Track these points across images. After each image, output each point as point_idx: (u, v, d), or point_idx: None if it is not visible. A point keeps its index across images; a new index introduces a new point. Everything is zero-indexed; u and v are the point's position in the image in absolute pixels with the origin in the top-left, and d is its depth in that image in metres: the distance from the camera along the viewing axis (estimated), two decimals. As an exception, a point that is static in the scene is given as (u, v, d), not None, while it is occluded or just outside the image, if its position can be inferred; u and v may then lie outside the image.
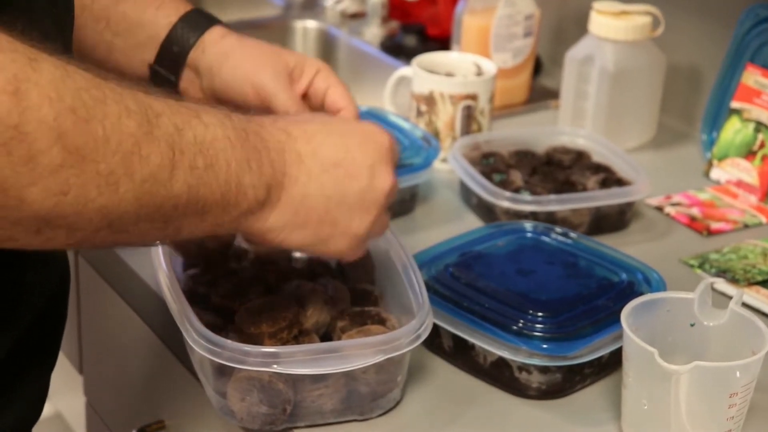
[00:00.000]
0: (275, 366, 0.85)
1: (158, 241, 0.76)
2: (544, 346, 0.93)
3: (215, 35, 1.04)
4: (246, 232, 0.81)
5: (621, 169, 1.27)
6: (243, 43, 1.04)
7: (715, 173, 1.38)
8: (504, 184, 1.22)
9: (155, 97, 0.72)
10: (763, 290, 1.12)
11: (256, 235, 0.82)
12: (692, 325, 0.92)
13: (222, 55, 1.03)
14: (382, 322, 0.94)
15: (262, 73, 1.01)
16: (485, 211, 1.23)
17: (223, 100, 1.04)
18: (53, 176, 0.64)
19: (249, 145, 0.78)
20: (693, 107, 1.51)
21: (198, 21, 1.04)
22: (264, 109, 1.02)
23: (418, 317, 0.90)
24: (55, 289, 0.90)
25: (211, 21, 1.05)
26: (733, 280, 1.13)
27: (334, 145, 0.84)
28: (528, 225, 1.12)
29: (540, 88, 1.64)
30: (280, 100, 1.01)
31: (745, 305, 1.02)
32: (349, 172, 0.84)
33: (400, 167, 1.23)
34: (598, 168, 1.28)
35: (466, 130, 1.35)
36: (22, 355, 0.87)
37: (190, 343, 0.86)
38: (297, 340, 0.91)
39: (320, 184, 0.82)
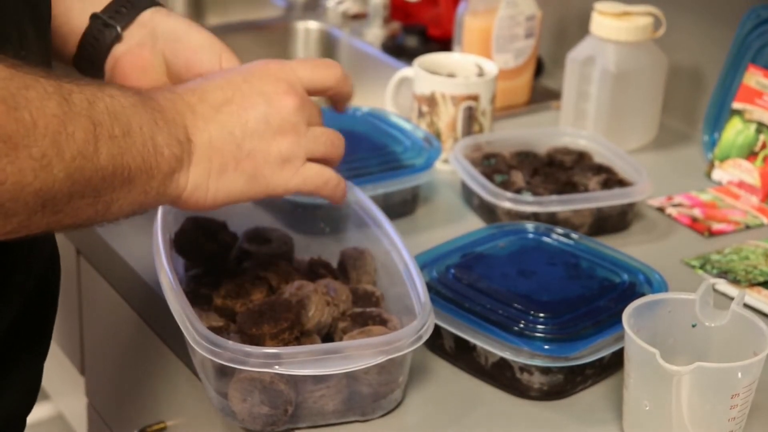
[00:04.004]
0: (277, 367, 0.85)
1: (91, 221, 0.77)
2: (546, 347, 0.93)
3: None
4: (175, 197, 0.82)
5: (622, 169, 1.27)
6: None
7: (717, 174, 1.38)
8: (505, 185, 1.22)
9: (61, 76, 0.73)
10: (764, 291, 1.12)
11: (185, 198, 0.82)
12: (694, 326, 0.92)
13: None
14: (383, 322, 0.94)
15: None
16: (487, 211, 1.23)
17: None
18: None
19: (149, 108, 0.79)
20: (694, 108, 1.51)
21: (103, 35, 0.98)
22: None
23: (420, 318, 0.90)
24: (43, 271, 0.90)
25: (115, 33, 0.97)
26: (735, 281, 1.13)
27: (218, 87, 0.85)
28: (529, 226, 1.12)
29: (541, 89, 1.64)
30: None
31: (746, 306, 1.02)
32: (243, 105, 0.85)
33: (402, 168, 1.23)
34: (600, 169, 1.28)
35: (468, 130, 1.35)
36: (12, 343, 0.87)
37: (192, 344, 0.86)
38: (298, 341, 0.91)
39: (219, 124, 0.83)
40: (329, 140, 0.90)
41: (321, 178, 0.89)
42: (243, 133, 0.84)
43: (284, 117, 0.86)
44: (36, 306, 0.90)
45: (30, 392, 0.93)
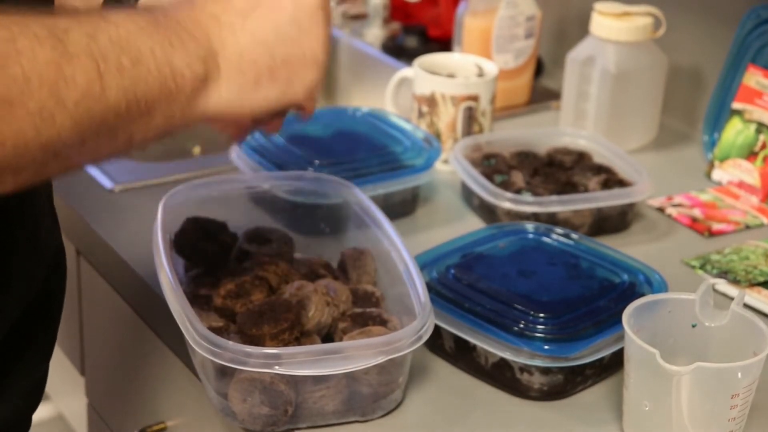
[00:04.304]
0: (277, 367, 0.85)
1: (114, 155, 0.73)
2: (546, 347, 0.93)
3: None
4: (209, 117, 0.78)
5: (622, 170, 1.27)
6: None
7: (717, 174, 1.38)
8: (505, 185, 1.22)
9: (57, 14, 0.69)
10: (764, 291, 1.12)
11: (220, 115, 0.78)
12: (694, 326, 0.92)
13: None
14: (383, 323, 0.94)
15: None
16: (487, 212, 1.23)
17: None
18: None
19: (163, 28, 0.74)
20: (694, 108, 1.51)
21: None
22: None
23: (420, 318, 0.90)
24: (48, 270, 0.90)
25: None
26: (735, 281, 1.13)
27: None
28: (529, 226, 1.12)
29: (541, 89, 1.64)
30: None
31: (746, 306, 1.02)
32: (270, 8, 0.79)
33: (402, 168, 1.23)
34: (600, 169, 1.28)
35: (468, 131, 1.35)
36: (17, 341, 0.87)
37: (192, 345, 0.86)
38: (298, 341, 0.91)
39: (249, 32, 0.78)
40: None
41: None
42: (275, 39, 0.79)
43: (312, 15, 0.81)
44: (42, 304, 0.90)
45: (35, 390, 0.93)
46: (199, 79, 0.75)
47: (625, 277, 1.04)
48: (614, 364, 0.98)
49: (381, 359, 0.87)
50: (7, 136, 0.64)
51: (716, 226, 1.26)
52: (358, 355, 0.86)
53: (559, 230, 1.11)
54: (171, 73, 0.73)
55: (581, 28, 1.51)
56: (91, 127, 0.68)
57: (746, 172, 1.34)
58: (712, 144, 1.43)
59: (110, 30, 0.70)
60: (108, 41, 0.69)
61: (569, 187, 1.24)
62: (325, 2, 0.83)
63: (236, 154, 1.22)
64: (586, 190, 1.23)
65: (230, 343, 0.85)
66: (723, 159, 1.37)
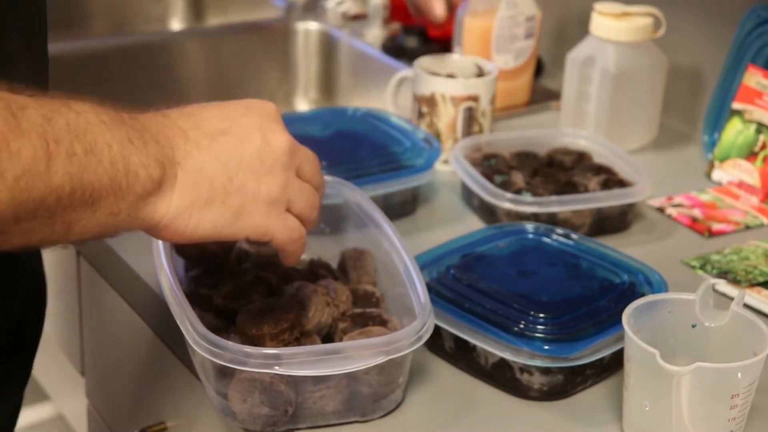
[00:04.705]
0: (277, 367, 0.85)
1: (49, 242, 0.71)
2: (546, 347, 0.93)
3: None
4: (151, 223, 0.77)
5: (622, 170, 1.27)
6: None
7: (717, 174, 1.38)
8: (505, 186, 1.22)
9: (19, 92, 0.69)
10: (764, 291, 1.12)
11: (163, 225, 0.77)
12: (694, 326, 0.92)
13: None
14: (383, 323, 0.94)
15: None
16: (487, 212, 1.23)
17: None
18: None
19: (127, 127, 0.74)
20: (694, 108, 1.51)
21: None
22: None
23: (420, 318, 0.90)
24: (28, 302, 0.89)
25: None
26: (735, 282, 1.13)
27: (215, 117, 0.80)
28: (529, 226, 1.12)
29: (541, 89, 1.64)
30: None
31: (746, 306, 1.02)
32: (240, 137, 0.80)
33: (402, 169, 1.23)
34: (600, 169, 1.28)
35: (468, 131, 1.35)
36: None
37: (192, 345, 0.86)
38: (298, 341, 0.91)
39: (213, 152, 0.78)
40: (311, 201, 0.85)
41: (296, 233, 0.84)
42: (237, 166, 0.79)
43: (277, 157, 0.81)
44: (19, 335, 0.89)
45: (8, 421, 0.92)
46: (153, 182, 0.75)
47: (625, 277, 1.04)
48: (614, 364, 0.98)
49: (381, 359, 0.87)
50: None
51: (716, 226, 1.27)
52: (358, 355, 0.86)
53: (559, 230, 1.11)
54: (124, 169, 0.73)
55: (581, 28, 1.51)
56: (28, 205, 0.67)
57: (746, 172, 1.34)
58: (712, 144, 1.43)
59: (70, 116, 0.70)
60: (64, 126, 0.69)
61: (569, 188, 1.24)
62: (293, 149, 0.82)
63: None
64: (586, 190, 1.23)
65: (230, 343, 0.85)
66: (723, 159, 1.37)
